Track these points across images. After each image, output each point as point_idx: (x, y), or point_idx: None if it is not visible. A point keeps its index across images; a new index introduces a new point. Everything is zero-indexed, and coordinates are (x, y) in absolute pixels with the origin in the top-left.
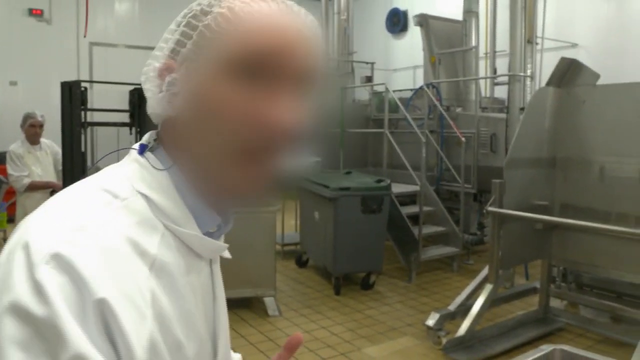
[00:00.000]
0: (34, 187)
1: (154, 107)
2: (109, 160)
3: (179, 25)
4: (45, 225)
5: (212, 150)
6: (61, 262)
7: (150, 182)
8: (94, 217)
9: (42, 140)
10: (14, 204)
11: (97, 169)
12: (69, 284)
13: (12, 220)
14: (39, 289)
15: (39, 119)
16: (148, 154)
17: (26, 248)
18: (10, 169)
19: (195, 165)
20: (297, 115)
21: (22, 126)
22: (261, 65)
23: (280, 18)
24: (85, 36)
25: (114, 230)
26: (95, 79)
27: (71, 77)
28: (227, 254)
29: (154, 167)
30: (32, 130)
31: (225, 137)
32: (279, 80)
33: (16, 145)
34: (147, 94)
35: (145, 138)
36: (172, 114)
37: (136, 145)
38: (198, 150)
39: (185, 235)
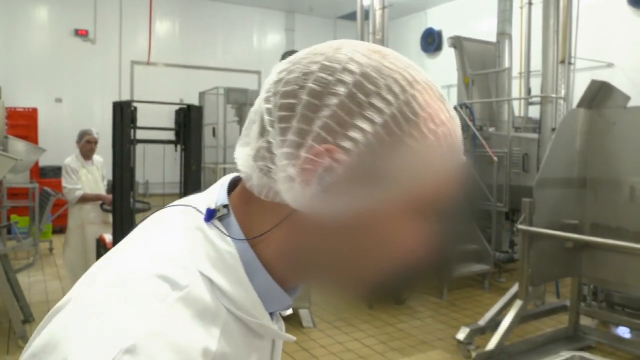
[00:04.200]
0: (85, 199)
1: (286, 190)
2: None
3: (350, 97)
4: (89, 343)
5: (346, 272)
6: None
7: (215, 260)
8: (148, 328)
9: (93, 155)
10: (60, 216)
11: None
12: None
13: (58, 231)
14: None
15: (95, 135)
16: (217, 222)
17: None
18: (64, 182)
19: (299, 265)
20: (436, 241)
21: (78, 142)
22: (443, 206)
23: (462, 151)
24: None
25: (171, 339)
26: (135, 96)
27: (113, 94)
28: (291, 338)
29: (229, 236)
30: (88, 146)
31: (372, 268)
32: (439, 216)
33: (71, 160)
34: (288, 170)
35: (214, 199)
36: (306, 211)
37: (201, 205)
38: (321, 262)
39: (251, 323)
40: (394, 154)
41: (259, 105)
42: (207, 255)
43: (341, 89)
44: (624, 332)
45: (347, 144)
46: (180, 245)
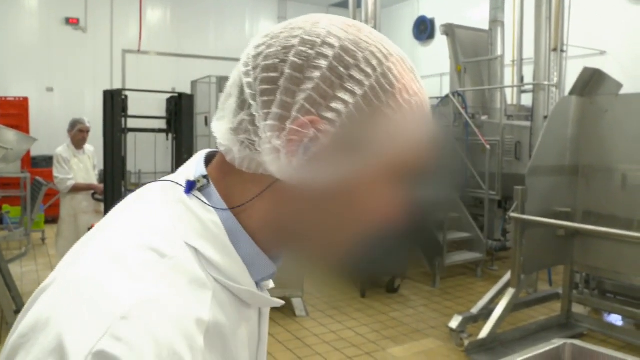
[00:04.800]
0: (77, 188)
1: (272, 161)
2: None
3: (313, 65)
4: (81, 314)
5: (326, 237)
6: None
7: (199, 229)
8: (141, 295)
9: (85, 145)
10: (52, 206)
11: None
12: None
13: (50, 220)
14: None
15: (87, 124)
16: (197, 193)
17: (61, 352)
18: (56, 172)
19: (281, 232)
20: (411, 209)
21: (69, 131)
22: (419, 171)
23: (428, 107)
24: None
25: (164, 308)
26: (127, 85)
27: (105, 83)
28: (278, 302)
29: (212, 206)
30: (80, 135)
31: (351, 232)
32: (414, 181)
33: (62, 149)
34: (274, 142)
35: (191, 171)
36: (290, 181)
37: (179, 179)
38: (302, 228)
39: (238, 290)
40: (374, 123)
41: (238, 78)
42: (190, 225)
43: (323, 62)
44: (616, 319)
45: (330, 115)
46: (163, 217)
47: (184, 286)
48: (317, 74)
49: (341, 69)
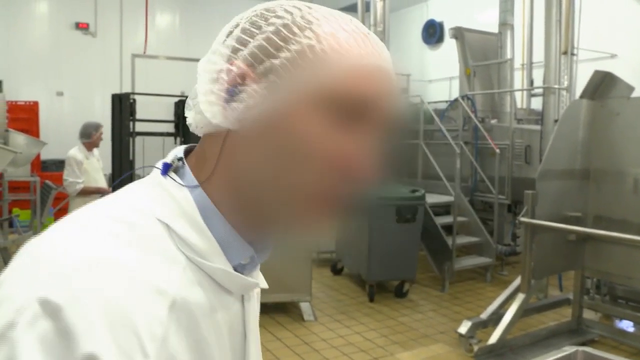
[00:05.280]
0: (85, 192)
1: (214, 114)
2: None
3: (255, 25)
4: (34, 269)
5: (283, 186)
6: (48, 309)
7: (171, 207)
8: (96, 253)
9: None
10: (61, 209)
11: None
12: (54, 334)
13: None
14: (13, 351)
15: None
16: (172, 174)
17: (9, 301)
18: (67, 174)
19: (243, 191)
20: (376, 163)
21: (91, 134)
22: (358, 112)
23: (382, 66)
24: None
25: (121, 268)
26: (136, 89)
27: (114, 88)
28: (263, 284)
29: (183, 185)
30: (100, 137)
31: (305, 177)
32: (369, 124)
33: (76, 151)
34: (209, 97)
35: (170, 156)
36: (233, 128)
37: (159, 164)
38: (258, 181)
39: (211, 269)
40: (287, 52)
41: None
42: (163, 203)
43: (244, 22)
44: (627, 325)
45: (245, 54)
46: (137, 196)
47: (150, 257)
48: (239, 30)
49: (261, 21)
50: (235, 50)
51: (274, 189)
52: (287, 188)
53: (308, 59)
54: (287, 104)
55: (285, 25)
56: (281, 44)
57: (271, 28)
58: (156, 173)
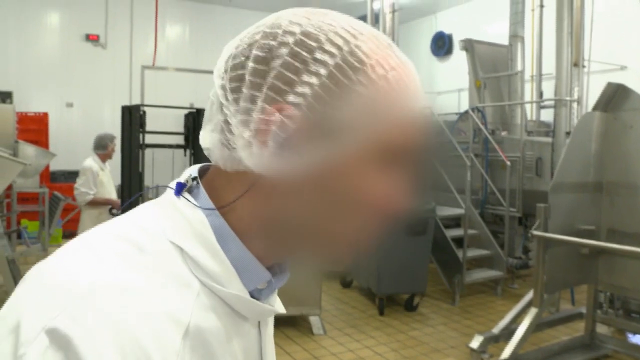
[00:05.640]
0: (94, 203)
1: (248, 156)
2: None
3: (302, 62)
4: (43, 295)
5: (323, 231)
6: (56, 339)
7: (185, 230)
8: (107, 278)
9: None
10: (70, 220)
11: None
12: None
13: (68, 235)
14: None
15: None
16: (186, 194)
17: (17, 330)
18: (80, 183)
19: (273, 231)
20: (411, 199)
21: (107, 145)
22: (407, 152)
23: (421, 96)
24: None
25: (133, 294)
26: (146, 101)
27: (124, 99)
28: (280, 310)
29: (198, 206)
30: (113, 149)
31: (350, 224)
32: (409, 162)
33: (92, 163)
34: (245, 133)
35: (184, 175)
36: (269, 173)
37: (173, 184)
38: (294, 223)
39: (227, 295)
40: (344, 102)
41: (215, 84)
42: (177, 224)
43: (284, 50)
44: None
45: (295, 99)
46: (149, 216)
47: (162, 282)
48: (279, 62)
49: (304, 53)
50: (278, 91)
51: (312, 232)
52: (328, 233)
53: (365, 109)
54: (340, 156)
55: (338, 67)
56: (336, 90)
57: (323, 71)
58: (169, 193)
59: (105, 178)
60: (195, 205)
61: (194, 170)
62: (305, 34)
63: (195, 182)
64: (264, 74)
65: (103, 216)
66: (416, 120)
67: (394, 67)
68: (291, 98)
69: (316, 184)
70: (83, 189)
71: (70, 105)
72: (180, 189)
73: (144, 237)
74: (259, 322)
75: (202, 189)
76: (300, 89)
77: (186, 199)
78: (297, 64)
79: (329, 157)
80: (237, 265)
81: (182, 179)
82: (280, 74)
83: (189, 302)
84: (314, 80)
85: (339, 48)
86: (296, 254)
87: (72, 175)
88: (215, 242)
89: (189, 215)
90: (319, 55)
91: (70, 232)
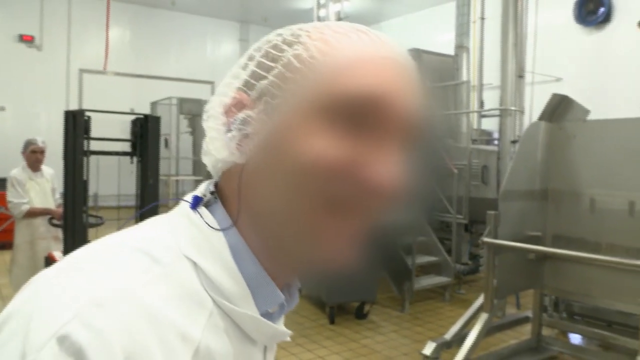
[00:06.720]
0: (32, 213)
1: (218, 150)
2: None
3: (251, 59)
4: (54, 300)
5: (294, 205)
6: (68, 348)
7: (201, 245)
8: (121, 288)
9: (42, 166)
10: (5, 231)
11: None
12: None
13: (2, 247)
14: None
15: (40, 144)
16: (202, 209)
17: (26, 335)
18: (10, 196)
19: (265, 225)
20: (400, 174)
21: (23, 152)
22: (366, 112)
23: (388, 56)
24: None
25: (146, 306)
26: (84, 105)
27: (60, 103)
28: (287, 337)
29: (209, 225)
30: (34, 156)
31: (312, 190)
32: (383, 131)
33: (17, 171)
34: (210, 133)
35: (201, 189)
36: (240, 161)
37: (188, 197)
38: (273, 206)
39: (240, 316)
40: (279, 69)
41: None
42: (191, 239)
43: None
44: (584, 341)
45: (246, 83)
46: (164, 230)
47: (175, 297)
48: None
49: (273, 51)
50: (228, 85)
51: (292, 217)
52: (307, 215)
53: (297, 69)
54: (286, 123)
55: (274, 46)
56: (270, 64)
57: (261, 53)
58: (184, 206)
59: (35, 187)
60: (212, 220)
61: (211, 184)
62: (262, 41)
63: (212, 197)
64: (226, 82)
65: (42, 228)
66: (370, 70)
67: (339, 32)
68: (234, 85)
69: (278, 161)
70: (15, 200)
71: (2, 109)
72: (196, 202)
73: (159, 249)
74: (264, 347)
75: (219, 204)
76: (242, 77)
77: (200, 214)
78: (247, 61)
79: (277, 128)
80: (251, 284)
81: (198, 192)
82: (234, 73)
83: (201, 322)
84: (251, 65)
85: (281, 35)
86: (295, 256)
87: (4, 183)
88: (232, 259)
89: (204, 230)
90: (263, 46)
91: (4, 243)
